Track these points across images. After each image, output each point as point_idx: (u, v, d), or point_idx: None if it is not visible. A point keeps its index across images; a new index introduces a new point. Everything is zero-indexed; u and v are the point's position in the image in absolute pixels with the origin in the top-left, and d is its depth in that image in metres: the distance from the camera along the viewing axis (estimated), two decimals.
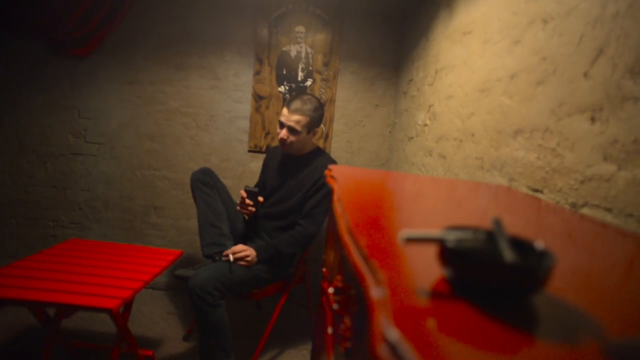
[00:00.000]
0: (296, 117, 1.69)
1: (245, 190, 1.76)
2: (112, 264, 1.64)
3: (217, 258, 1.64)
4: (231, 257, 1.60)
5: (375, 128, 2.61)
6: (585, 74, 0.92)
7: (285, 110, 1.71)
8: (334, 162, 1.84)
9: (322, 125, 2.31)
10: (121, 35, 2.41)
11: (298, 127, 1.70)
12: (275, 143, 2.35)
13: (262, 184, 1.98)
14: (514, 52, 1.22)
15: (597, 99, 0.88)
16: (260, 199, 1.77)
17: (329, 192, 1.86)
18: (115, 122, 2.51)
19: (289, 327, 2.12)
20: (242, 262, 1.62)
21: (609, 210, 0.83)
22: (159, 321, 2.07)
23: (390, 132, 2.62)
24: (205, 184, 1.78)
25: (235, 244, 1.72)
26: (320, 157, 1.83)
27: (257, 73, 2.49)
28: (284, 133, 1.71)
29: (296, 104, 1.71)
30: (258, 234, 1.86)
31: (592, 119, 0.89)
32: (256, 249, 1.65)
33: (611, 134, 0.83)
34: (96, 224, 2.60)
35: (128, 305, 1.52)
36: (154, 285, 2.44)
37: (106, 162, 2.54)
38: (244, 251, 1.63)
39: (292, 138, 1.72)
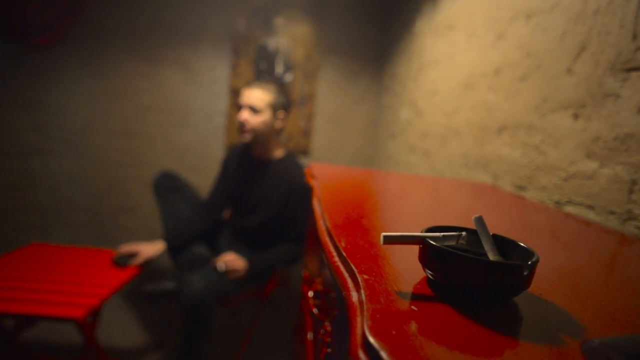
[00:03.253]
0: (256, 92, 1.52)
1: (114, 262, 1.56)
2: (77, 269, 1.53)
3: (182, 261, 1.56)
4: (223, 267, 1.49)
5: (358, 125, 2.58)
6: (569, 70, 0.91)
7: (245, 90, 1.56)
8: (302, 171, 1.65)
9: (305, 123, 2.24)
10: (88, 25, 2.28)
11: (260, 105, 1.51)
12: None
13: (220, 187, 1.75)
14: (498, 47, 1.20)
15: (579, 96, 0.87)
16: (135, 266, 1.55)
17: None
18: (81, 117, 2.37)
19: (268, 334, 2.07)
20: (232, 274, 1.50)
21: (591, 207, 0.82)
22: (130, 330, 1.97)
23: (373, 128, 2.60)
24: (169, 188, 1.68)
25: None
26: (290, 166, 1.65)
27: (235, 67, 2.41)
28: (244, 115, 1.52)
29: (257, 83, 1.57)
30: (231, 244, 1.73)
31: (575, 116, 0.88)
32: (249, 263, 1.53)
33: (593, 130, 0.82)
34: (60, 227, 2.46)
35: (96, 313, 1.43)
36: (125, 291, 2.33)
37: (71, 160, 2.41)
38: (235, 262, 1.51)
39: (254, 120, 1.52)
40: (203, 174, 2.44)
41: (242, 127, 1.55)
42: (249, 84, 1.60)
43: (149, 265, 1.58)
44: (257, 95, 1.52)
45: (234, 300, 1.63)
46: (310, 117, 2.50)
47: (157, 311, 2.16)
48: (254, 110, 1.53)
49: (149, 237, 2.50)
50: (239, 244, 1.72)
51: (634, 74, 0.73)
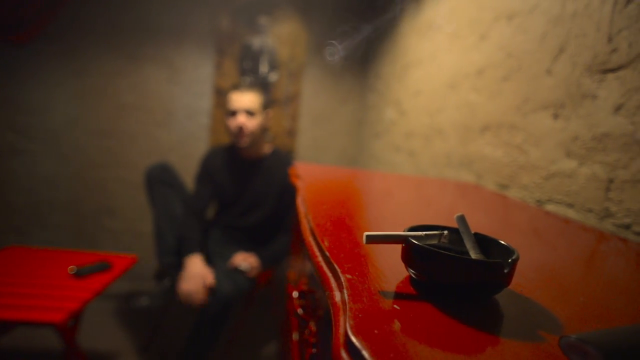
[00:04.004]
0: (249, 96, 1.53)
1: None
2: (57, 272, 1.50)
3: (173, 271, 1.52)
4: (247, 266, 1.50)
5: (343, 124, 2.58)
6: (548, 71, 0.92)
7: (235, 95, 1.54)
8: (292, 161, 1.71)
9: (289, 123, 2.23)
10: (68, 21, 2.22)
11: (256, 107, 1.53)
12: None
13: (206, 192, 1.69)
14: (481, 48, 1.22)
15: (559, 96, 0.89)
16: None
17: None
18: (61, 117, 2.31)
19: (255, 334, 2.06)
20: (251, 272, 1.51)
21: (571, 205, 0.84)
22: (113, 333, 1.93)
23: (358, 128, 2.61)
24: (164, 182, 1.62)
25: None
26: (279, 159, 1.69)
27: (219, 66, 2.38)
28: (241, 119, 1.52)
29: (243, 86, 1.56)
30: (223, 245, 1.71)
31: (555, 116, 0.90)
32: (260, 259, 1.56)
33: (572, 130, 0.84)
34: (39, 229, 2.39)
35: (77, 318, 1.40)
36: (107, 294, 2.28)
37: (51, 161, 2.34)
38: (250, 259, 1.52)
39: (251, 123, 1.53)
40: (187, 174, 2.41)
41: (240, 132, 1.54)
42: (236, 87, 1.57)
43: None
44: (252, 99, 1.53)
45: (246, 297, 1.66)
46: (295, 117, 2.49)
47: (141, 314, 2.13)
48: (250, 113, 1.54)
49: (133, 240, 2.46)
50: (232, 244, 1.70)
51: (610, 76, 0.75)
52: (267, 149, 1.70)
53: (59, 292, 1.34)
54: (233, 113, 1.54)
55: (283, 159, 1.70)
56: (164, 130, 2.41)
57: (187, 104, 2.41)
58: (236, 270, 1.50)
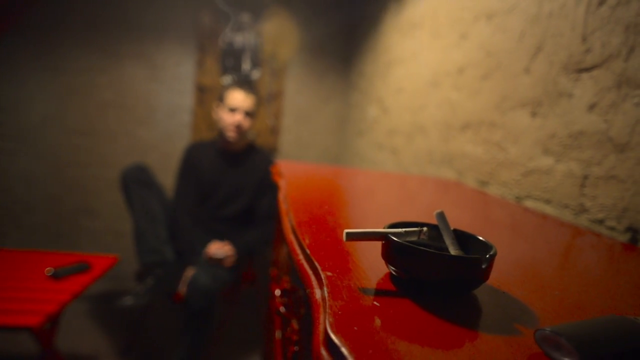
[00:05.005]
0: (252, 99, 1.65)
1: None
2: (33, 274, 1.45)
3: (156, 270, 1.51)
4: (221, 254, 1.54)
5: (326, 122, 2.58)
6: (526, 70, 0.94)
7: (239, 94, 1.63)
8: (270, 156, 1.82)
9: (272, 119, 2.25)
10: (44, 15, 2.15)
11: (254, 110, 1.66)
12: None
13: (192, 188, 1.73)
14: (462, 47, 1.23)
15: (536, 94, 0.91)
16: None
17: None
18: (36, 114, 2.24)
19: (239, 333, 2.04)
20: (227, 261, 1.56)
21: (548, 201, 0.86)
22: (94, 335, 1.89)
23: (341, 126, 2.61)
24: (141, 183, 1.60)
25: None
26: (258, 153, 1.79)
27: (200, 63, 2.35)
28: (240, 118, 1.62)
29: (246, 86, 1.67)
30: (209, 239, 1.72)
31: (533, 114, 0.92)
32: (235, 247, 1.61)
33: (549, 128, 0.86)
34: (15, 230, 2.32)
35: (55, 320, 1.36)
36: (87, 295, 2.23)
37: (27, 160, 2.27)
38: (225, 248, 1.57)
39: (247, 123, 1.65)
40: (168, 173, 2.37)
41: (235, 129, 1.64)
42: (240, 85, 1.67)
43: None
44: (253, 102, 1.65)
45: (229, 292, 1.69)
46: (278, 115, 2.48)
47: (122, 315, 2.09)
48: (248, 114, 1.65)
49: (113, 240, 2.41)
50: (210, 235, 1.70)
51: (585, 75, 0.77)
52: (244, 142, 1.77)
53: (35, 295, 1.30)
54: (232, 109, 1.63)
55: (260, 153, 1.80)
56: (144, 128, 2.36)
57: (168, 102, 2.37)
58: (212, 260, 1.55)
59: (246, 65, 2.38)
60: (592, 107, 0.75)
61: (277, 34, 2.39)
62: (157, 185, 1.70)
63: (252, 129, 1.74)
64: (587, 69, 0.76)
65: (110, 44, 2.25)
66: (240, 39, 2.36)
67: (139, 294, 1.47)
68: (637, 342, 0.28)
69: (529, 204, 0.91)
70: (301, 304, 0.55)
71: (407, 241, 0.35)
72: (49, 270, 1.44)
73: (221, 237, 1.68)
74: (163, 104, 2.36)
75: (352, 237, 0.34)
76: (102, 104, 2.30)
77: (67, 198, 2.34)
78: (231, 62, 2.37)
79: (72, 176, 2.33)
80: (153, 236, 1.55)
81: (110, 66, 2.27)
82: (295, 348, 0.54)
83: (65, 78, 2.23)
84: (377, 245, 0.38)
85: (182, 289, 1.53)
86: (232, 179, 1.73)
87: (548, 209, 0.85)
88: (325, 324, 0.27)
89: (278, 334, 0.76)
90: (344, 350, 0.24)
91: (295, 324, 0.57)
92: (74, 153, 2.31)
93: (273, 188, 1.65)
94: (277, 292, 0.65)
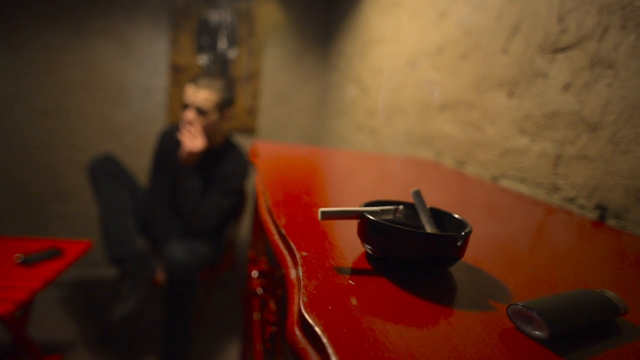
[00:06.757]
0: (204, 93, 1.44)
1: None
2: (1, 261, 1.40)
3: (125, 265, 1.45)
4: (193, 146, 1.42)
5: (305, 103, 2.55)
6: (504, 50, 0.94)
7: (190, 88, 1.47)
8: (247, 163, 1.61)
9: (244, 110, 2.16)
10: None
11: (207, 106, 1.45)
12: None
13: (162, 179, 1.61)
14: (441, 26, 1.22)
15: (513, 75, 0.91)
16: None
17: (239, 200, 1.76)
18: None
19: (219, 315, 2.05)
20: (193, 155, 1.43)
21: (523, 181, 0.88)
22: (68, 323, 1.85)
23: (320, 107, 2.58)
24: (108, 174, 1.53)
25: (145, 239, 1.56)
26: (232, 159, 1.59)
27: (174, 42, 2.25)
28: (189, 114, 1.44)
29: (203, 80, 1.48)
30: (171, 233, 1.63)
31: (510, 94, 0.92)
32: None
33: (525, 108, 0.87)
34: None
35: (26, 308, 1.32)
36: (61, 282, 2.17)
37: None
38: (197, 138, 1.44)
39: (201, 122, 1.45)
40: (142, 155, 2.30)
41: (187, 127, 1.46)
42: (194, 80, 1.48)
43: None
44: (206, 97, 1.45)
45: (209, 271, 1.65)
46: (255, 95, 2.43)
47: (97, 303, 2.05)
48: (201, 112, 1.45)
49: (86, 225, 2.34)
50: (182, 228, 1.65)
51: (560, 55, 0.77)
52: (221, 137, 1.61)
53: (4, 282, 1.26)
54: (185, 106, 1.47)
55: (232, 159, 1.60)
56: (117, 109, 2.27)
57: (141, 82, 2.27)
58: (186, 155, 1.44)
59: (222, 44, 2.31)
60: (566, 87, 0.76)
61: (254, 12, 2.32)
62: (126, 175, 1.61)
63: (213, 127, 1.50)
64: (563, 49, 0.77)
65: (78, 20, 2.13)
66: (215, 17, 2.28)
67: (124, 298, 1.42)
68: (604, 314, 0.29)
69: (505, 183, 0.93)
70: (278, 285, 0.55)
71: (383, 219, 0.35)
72: (18, 256, 1.38)
73: (175, 233, 1.60)
74: (136, 84, 2.27)
75: (327, 216, 0.34)
76: (71, 84, 2.19)
77: (36, 183, 2.25)
78: (206, 41, 2.29)
79: (40, 160, 2.23)
80: (120, 228, 1.49)
81: (77, 43, 2.16)
82: (273, 329, 0.54)
83: (29, 56, 2.11)
84: (354, 225, 0.38)
85: (160, 273, 1.50)
86: (197, 175, 1.56)
87: (523, 188, 0.87)
88: (299, 303, 0.27)
89: (256, 316, 0.75)
90: (317, 329, 0.24)
91: (272, 305, 0.56)
92: (42, 135, 2.21)
93: (234, 197, 1.58)
94: (255, 273, 0.65)
